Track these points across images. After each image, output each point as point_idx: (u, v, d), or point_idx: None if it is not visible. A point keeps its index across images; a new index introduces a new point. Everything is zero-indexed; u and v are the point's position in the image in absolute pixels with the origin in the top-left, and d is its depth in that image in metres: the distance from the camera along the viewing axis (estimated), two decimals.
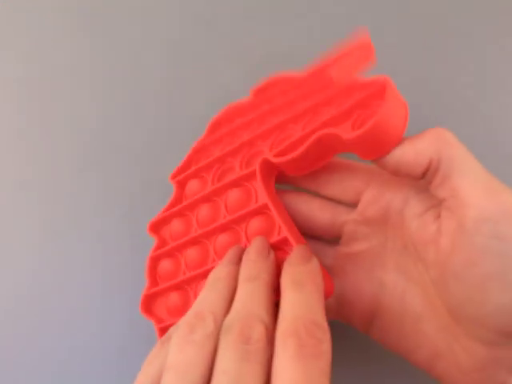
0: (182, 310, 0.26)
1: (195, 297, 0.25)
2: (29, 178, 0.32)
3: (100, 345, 0.28)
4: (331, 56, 0.25)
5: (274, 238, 0.23)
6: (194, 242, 0.26)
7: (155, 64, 0.35)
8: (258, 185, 0.24)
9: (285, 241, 0.23)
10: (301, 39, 0.36)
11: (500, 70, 0.35)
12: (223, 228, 0.25)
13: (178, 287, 0.26)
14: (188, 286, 0.26)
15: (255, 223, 0.24)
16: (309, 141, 0.22)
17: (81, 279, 0.30)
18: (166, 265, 0.27)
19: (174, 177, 0.29)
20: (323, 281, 0.19)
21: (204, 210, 0.26)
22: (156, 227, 0.28)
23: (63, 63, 0.35)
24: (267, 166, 0.25)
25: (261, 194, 0.24)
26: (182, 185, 0.28)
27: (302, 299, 0.17)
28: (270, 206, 0.23)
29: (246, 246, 0.24)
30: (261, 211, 0.24)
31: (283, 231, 0.23)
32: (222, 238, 0.25)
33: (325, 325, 0.16)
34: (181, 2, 0.37)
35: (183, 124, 0.33)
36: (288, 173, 0.25)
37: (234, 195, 0.25)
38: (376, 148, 0.21)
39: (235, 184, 0.25)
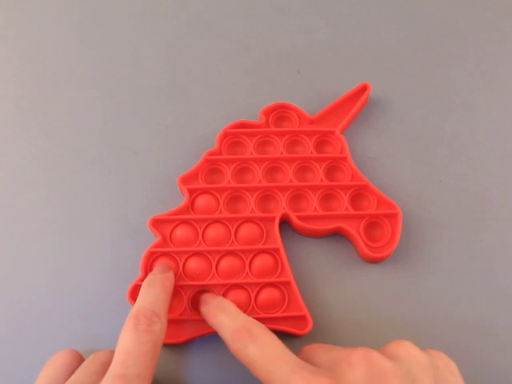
0: (174, 310, 0.28)
1: (188, 302, 0.28)
2: (29, 178, 0.32)
3: (100, 345, 0.28)
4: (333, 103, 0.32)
5: (275, 277, 0.28)
6: (199, 254, 0.29)
7: (155, 64, 0.35)
8: (275, 231, 0.29)
9: (286, 283, 0.28)
10: (301, 39, 0.36)
11: (500, 70, 0.35)
12: (230, 252, 0.29)
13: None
14: (183, 291, 0.28)
15: (262, 259, 0.29)
16: (329, 226, 0.29)
17: (81, 279, 0.30)
18: None
19: (183, 182, 0.30)
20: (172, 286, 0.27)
21: (214, 230, 0.29)
22: (158, 224, 0.29)
23: (63, 63, 0.35)
24: (284, 218, 0.30)
25: (273, 239, 0.29)
26: (192, 194, 0.30)
27: (149, 295, 0.25)
28: (281, 251, 0.29)
29: (247, 274, 0.28)
30: (269, 251, 0.29)
31: (288, 275, 0.28)
32: (227, 261, 0.29)
33: (162, 314, 0.24)
34: (181, 2, 0.37)
35: (183, 124, 0.33)
36: (297, 230, 0.30)
37: (247, 230, 0.29)
38: None
39: (250, 220, 0.29)
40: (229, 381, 0.28)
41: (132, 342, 0.22)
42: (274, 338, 0.23)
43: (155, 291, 0.25)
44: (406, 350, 0.22)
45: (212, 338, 0.28)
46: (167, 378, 0.28)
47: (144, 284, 0.26)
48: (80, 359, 0.26)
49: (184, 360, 0.28)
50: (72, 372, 0.24)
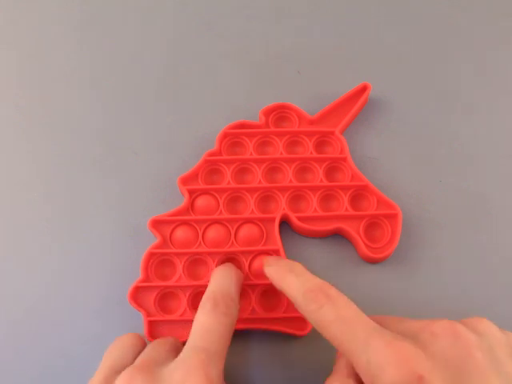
0: (173, 310, 0.28)
1: (188, 303, 0.28)
2: (29, 178, 0.32)
3: (100, 345, 0.28)
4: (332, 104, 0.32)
5: None
6: (198, 255, 0.29)
7: (155, 64, 0.35)
8: (274, 232, 0.29)
9: None
10: (301, 39, 0.36)
11: (500, 70, 0.35)
12: (230, 253, 0.29)
13: (170, 290, 0.28)
14: (182, 293, 0.28)
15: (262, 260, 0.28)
16: (329, 226, 0.29)
17: (81, 279, 0.30)
18: (162, 265, 0.29)
19: (183, 182, 0.30)
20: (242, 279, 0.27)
21: (214, 231, 0.29)
22: (158, 225, 0.29)
23: (63, 63, 0.35)
24: (284, 219, 0.30)
25: (273, 240, 0.29)
26: (192, 194, 0.30)
27: (225, 278, 0.25)
28: (281, 252, 0.29)
29: (247, 275, 0.28)
30: (269, 252, 0.29)
31: None
32: (227, 262, 0.28)
33: (236, 298, 0.25)
34: (181, 2, 0.37)
35: (183, 124, 0.33)
36: (297, 231, 0.30)
37: (247, 230, 0.29)
38: None
39: (250, 220, 0.29)
40: (229, 381, 0.28)
41: (212, 321, 0.22)
42: (351, 302, 0.22)
43: (230, 276, 0.26)
44: (486, 326, 0.22)
45: None
46: None
47: (218, 270, 0.26)
48: (144, 343, 0.25)
49: None
50: (138, 353, 0.24)
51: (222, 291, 0.24)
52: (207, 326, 0.22)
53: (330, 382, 0.22)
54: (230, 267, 0.27)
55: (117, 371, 0.22)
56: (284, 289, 0.24)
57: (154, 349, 0.23)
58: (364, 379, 0.20)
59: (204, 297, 0.24)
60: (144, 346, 0.25)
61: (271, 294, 0.28)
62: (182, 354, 0.21)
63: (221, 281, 0.25)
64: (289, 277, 0.24)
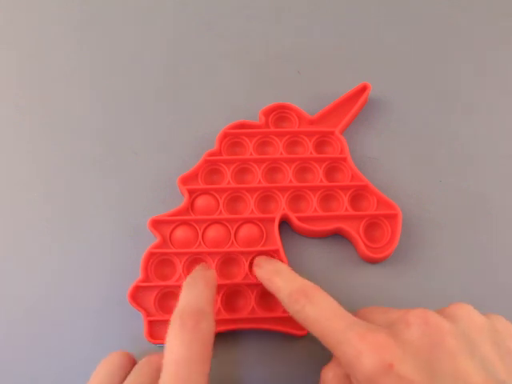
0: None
1: None
2: (29, 178, 0.32)
3: (100, 345, 0.28)
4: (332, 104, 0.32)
5: None
6: (198, 255, 0.29)
7: (155, 64, 0.35)
8: (274, 232, 0.29)
9: None
10: (301, 39, 0.36)
11: (500, 70, 0.35)
12: (229, 253, 0.29)
13: (170, 290, 0.28)
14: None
15: None
16: (329, 226, 0.29)
17: (81, 279, 0.30)
18: (162, 265, 0.29)
19: (183, 182, 0.30)
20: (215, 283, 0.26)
21: (213, 231, 0.29)
22: (157, 225, 0.29)
23: (63, 63, 0.35)
24: (284, 219, 0.30)
25: (273, 240, 0.29)
26: (192, 194, 0.30)
27: (191, 293, 0.24)
28: (281, 252, 0.29)
29: (247, 275, 0.28)
30: (269, 253, 0.29)
31: None
32: (227, 262, 0.29)
33: (208, 311, 0.23)
34: (181, 2, 0.37)
35: (183, 124, 0.33)
36: (297, 231, 0.30)
37: (247, 230, 0.29)
38: None
39: (250, 220, 0.29)
40: (229, 381, 0.28)
41: (181, 348, 0.21)
42: (330, 298, 0.23)
43: (198, 288, 0.24)
44: (465, 311, 0.22)
45: None
46: None
47: (185, 284, 0.25)
48: (133, 362, 0.25)
49: None
50: (126, 374, 0.24)
51: (188, 306, 0.23)
52: (176, 355, 0.21)
53: (325, 370, 0.24)
54: (196, 276, 0.26)
55: None
56: (273, 291, 0.26)
57: (139, 372, 0.24)
58: (345, 370, 0.22)
59: (172, 317, 0.23)
60: (133, 364, 0.25)
61: (271, 293, 0.28)
62: None
63: (187, 295, 0.24)
64: (275, 280, 0.25)
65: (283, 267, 0.26)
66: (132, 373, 0.24)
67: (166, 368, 0.21)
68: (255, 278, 0.28)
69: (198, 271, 0.26)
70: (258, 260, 0.28)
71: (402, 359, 0.19)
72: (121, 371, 0.24)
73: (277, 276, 0.26)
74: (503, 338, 0.22)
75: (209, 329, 0.22)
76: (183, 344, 0.21)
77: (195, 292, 0.24)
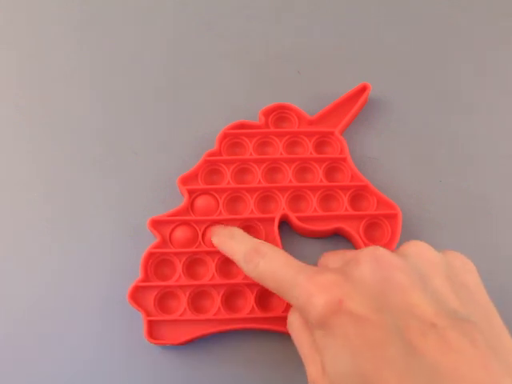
0: (173, 310, 0.28)
1: (188, 304, 0.28)
2: (29, 178, 0.32)
3: (100, 345, 0.28)
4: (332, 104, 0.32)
5: None
6: (197, 255, 0.29)
7: (155, 64, 0.35)
8: (274, 232, 0.29)
9: None
10: (301, 39, 0.36)
11: (500, 70, 0.35)
12: None
13: (170, 290, 0.28)
14: (181, 293, 0.28)
15: None
16: (329, 226, 0.29)
17: (81, 279, 0.30)
18: (162, 265, 0.29)
19: (183, 182, 0.30)
20: None
21: None
22: (157, 225, 0.29)
23: (63, 63, 0.35)
24: (283, 219, 0.30)
25: (273, 240, 0.29)
26: (191, 194, 0.30)
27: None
28: None
29: (246, 276, 0.27)
30: None
31: None
32: (227, 263, 0.28)
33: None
34: (181, 2, 0.37)
35: (183, 124, 0.33)
36: (297, 231, 0.30)
37: (247, 231, 0.29)
38: None
39: (250, 221, 0.29)
40: (229, 381, 0.28)
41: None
42: (281, 251, 0.24)
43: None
44: (418, 248, 0.22)
45: (212, 338, 0.28)
46: (167, 378, 0.28)
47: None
48: None
49: (184, 361, 0.28)
50: None
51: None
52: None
53: (290, 314, 0.25)
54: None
55: None
56: (229, 256, 0.27)
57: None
58: (301, 315, 0.23)
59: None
60: None
61: (270, 293, 0.28)
62: None
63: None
64: (230, 243, 0.27)
65: (237, 231, 0.27)
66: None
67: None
68: (212, 245, 0.28)
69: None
70: (214, 228, 0.28)
71: (352, 295, 0.20)
72: None
73: (231, 239, 0.27)
74: (457, 272, 0.22)
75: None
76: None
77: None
